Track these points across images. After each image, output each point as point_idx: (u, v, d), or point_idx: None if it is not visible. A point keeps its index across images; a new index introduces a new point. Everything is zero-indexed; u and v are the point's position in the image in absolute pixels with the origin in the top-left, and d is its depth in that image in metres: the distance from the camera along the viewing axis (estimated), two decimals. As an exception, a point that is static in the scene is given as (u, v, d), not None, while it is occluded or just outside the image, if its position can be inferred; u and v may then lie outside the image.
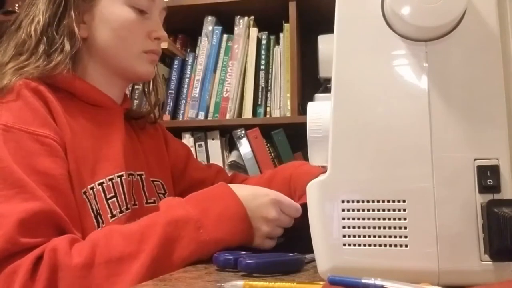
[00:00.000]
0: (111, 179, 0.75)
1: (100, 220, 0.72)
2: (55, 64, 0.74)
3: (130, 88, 1.48)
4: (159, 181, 0.92)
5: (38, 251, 0.58)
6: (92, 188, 0.72)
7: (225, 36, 1.52)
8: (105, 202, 0.73)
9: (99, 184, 0.73)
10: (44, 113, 0.70)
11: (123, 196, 0.76)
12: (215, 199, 0.66)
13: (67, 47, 0.75)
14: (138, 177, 0.85)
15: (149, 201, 0.86)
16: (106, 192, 0.74)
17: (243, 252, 0.58)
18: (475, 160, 0.41)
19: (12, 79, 0.71)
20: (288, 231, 0.69)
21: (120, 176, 0.77)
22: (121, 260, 0.58)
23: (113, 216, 0.74)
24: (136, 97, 1.49)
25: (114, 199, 0.75)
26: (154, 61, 0.85)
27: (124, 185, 0.77)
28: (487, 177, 0.40)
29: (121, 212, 0.75)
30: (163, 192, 0.92)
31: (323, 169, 0.46)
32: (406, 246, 0.42)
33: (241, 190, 0.67)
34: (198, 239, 0.61)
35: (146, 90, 0.98)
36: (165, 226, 0.60)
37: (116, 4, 0.79)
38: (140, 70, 0.83)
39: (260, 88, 1.48)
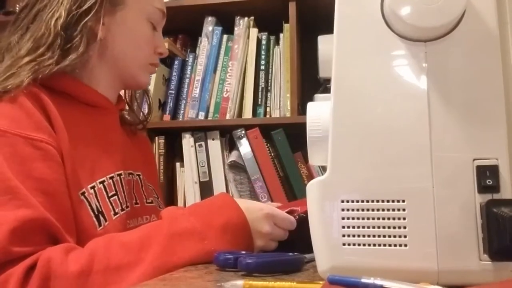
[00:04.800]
0: (111, 178, 0.76)
1: (102, 218, 0.71)
2: (69, 62, 0.72)
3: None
4: (150, 186, 0.92)
5: (30, 260, 0.58)
6: (93, 187, 0.72)
7: (225, 37, 1.52)
8: (107, 200, 0.74)
9: (100, 183, 0.73)
10: (40, 117, 0.68)
11: (123, 194, 0.77)
12: (218, 210, 0.66)
13: (83, 46, 0.73)
14: (137, 176, 0.86)
15: (148, 201, 0.86)
16: (108, 190, 0.74)
17: (243, 252, 0.58)
18: (474, 160, 0.41)
19: (25, 80, 0.69)
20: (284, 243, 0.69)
21: (119, 175, 0.78)
22: (119, 268, 0.58)
23: (115, 213, 0.74)
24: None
25: (116, 197, 0.75)
26: (153, 73, 0.90)
27: (124, 184, 0.78)
28: (486, 177, 0.40)
29: (122, 210, 0.76)
30: (156, 196, 0.92)
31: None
32: (406, 246, 0.42)
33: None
34: (204, 249, 0.61)
35: (136, 97, 1.02)
36: (170, 237, 0.61)
37: (140, 16, 0.82)
38: (142, 79, 0.87)
39: (260, 88, 1.48)
